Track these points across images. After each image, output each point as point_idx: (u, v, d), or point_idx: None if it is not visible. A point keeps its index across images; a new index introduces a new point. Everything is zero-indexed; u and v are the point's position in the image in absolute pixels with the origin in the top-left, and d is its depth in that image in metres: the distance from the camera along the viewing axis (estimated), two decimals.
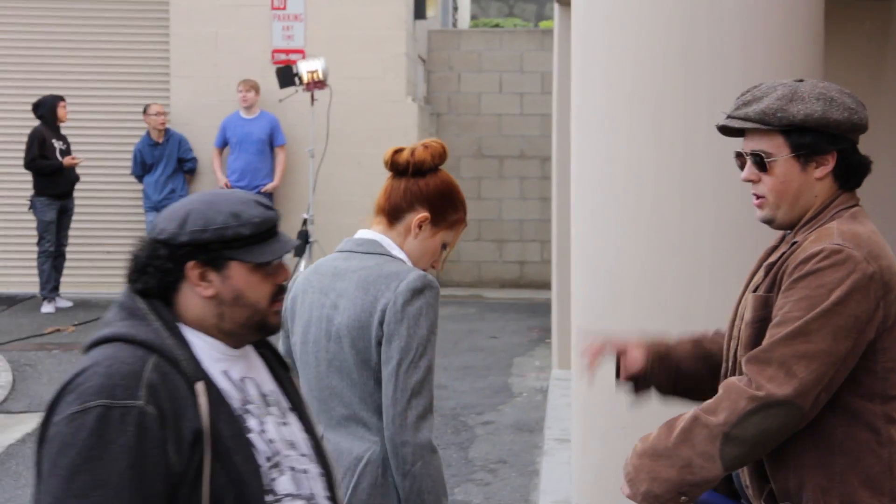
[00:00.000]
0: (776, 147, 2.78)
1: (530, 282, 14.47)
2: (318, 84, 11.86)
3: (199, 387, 2.27)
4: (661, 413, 2.93)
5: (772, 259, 2.82)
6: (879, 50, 7.24)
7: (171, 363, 2.26)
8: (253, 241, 2.32)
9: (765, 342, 2.67)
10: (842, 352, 2.62)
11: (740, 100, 2.84)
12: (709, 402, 2.70)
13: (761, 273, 2.83)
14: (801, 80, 2.83)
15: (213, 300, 2.33)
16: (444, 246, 3.14)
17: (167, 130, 12.71)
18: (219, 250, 2.31)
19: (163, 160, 12.61)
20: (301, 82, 11.93)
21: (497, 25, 18.53)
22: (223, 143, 12.78)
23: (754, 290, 2.81)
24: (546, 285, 12.83)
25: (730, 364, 2.84)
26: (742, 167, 2.86)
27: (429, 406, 2.95)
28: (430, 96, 14.70)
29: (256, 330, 2.39)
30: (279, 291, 2.38)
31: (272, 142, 12.76)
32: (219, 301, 2.33)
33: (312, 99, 12.12)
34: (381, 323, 2.96)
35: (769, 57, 4.22)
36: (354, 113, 12.45)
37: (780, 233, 2.93)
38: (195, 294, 2.33)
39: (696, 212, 4.17)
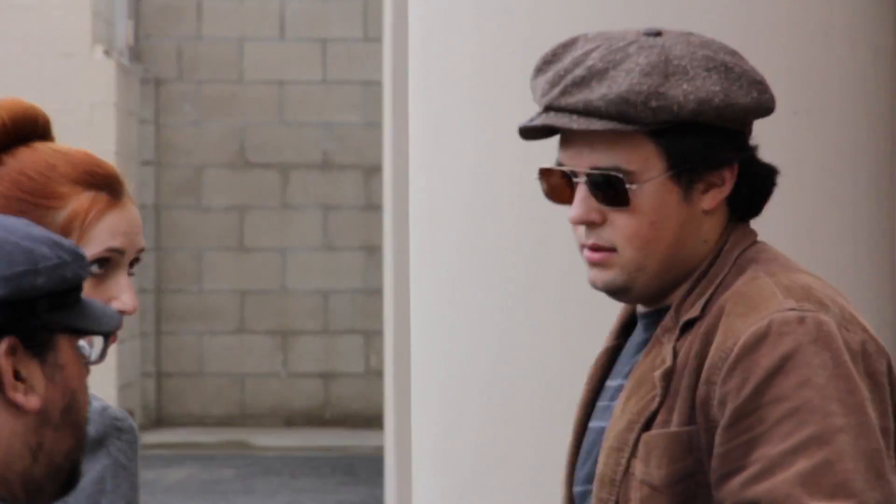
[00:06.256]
0: (642, 160, 2.48)
1: (344, 414, 12.05)
2: None
3: None
4: None
5: (665, 364, 2.54)
6: None
7: None
8: (78, 294, 2.07)
9: (753, 485, 2.44)
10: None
11: (556, 69, 2.45)
12: None
13: (654, 387, 2.55)
14: (657, 34, 2.51)
15: (35, 418, 2.00)
16: (105, 262, 2.60)
17: None
18: (46, 313, 1.98)
19: None
20: None
21: None
22: None
23: (647, 423, 2.50)
24: (374, 421, 11.87)
25: None
26: (552, 195, 2.53)
27: None
28: (143, 48, 12.77)
29: (69, 476, 2.05)
30: None
31: None
32: (43, 419, 2.01)
33: None
34: None
35: None
36: (1, 76, 12.32)
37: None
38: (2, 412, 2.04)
39: None
